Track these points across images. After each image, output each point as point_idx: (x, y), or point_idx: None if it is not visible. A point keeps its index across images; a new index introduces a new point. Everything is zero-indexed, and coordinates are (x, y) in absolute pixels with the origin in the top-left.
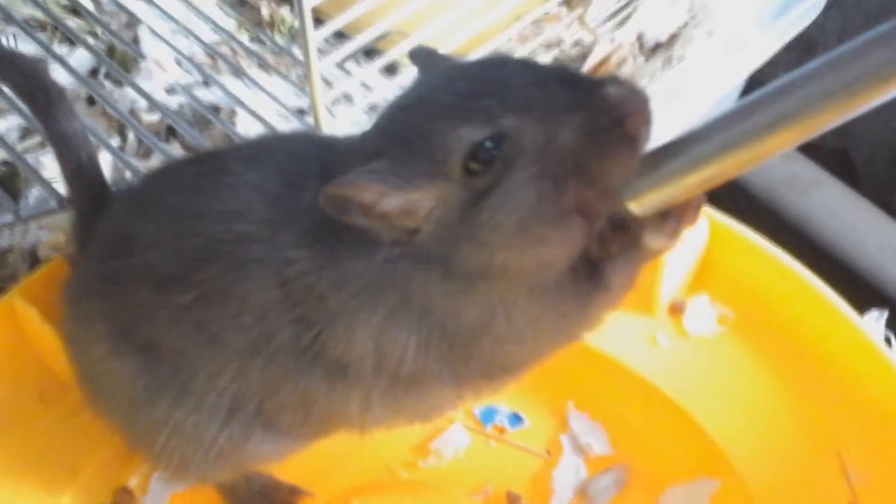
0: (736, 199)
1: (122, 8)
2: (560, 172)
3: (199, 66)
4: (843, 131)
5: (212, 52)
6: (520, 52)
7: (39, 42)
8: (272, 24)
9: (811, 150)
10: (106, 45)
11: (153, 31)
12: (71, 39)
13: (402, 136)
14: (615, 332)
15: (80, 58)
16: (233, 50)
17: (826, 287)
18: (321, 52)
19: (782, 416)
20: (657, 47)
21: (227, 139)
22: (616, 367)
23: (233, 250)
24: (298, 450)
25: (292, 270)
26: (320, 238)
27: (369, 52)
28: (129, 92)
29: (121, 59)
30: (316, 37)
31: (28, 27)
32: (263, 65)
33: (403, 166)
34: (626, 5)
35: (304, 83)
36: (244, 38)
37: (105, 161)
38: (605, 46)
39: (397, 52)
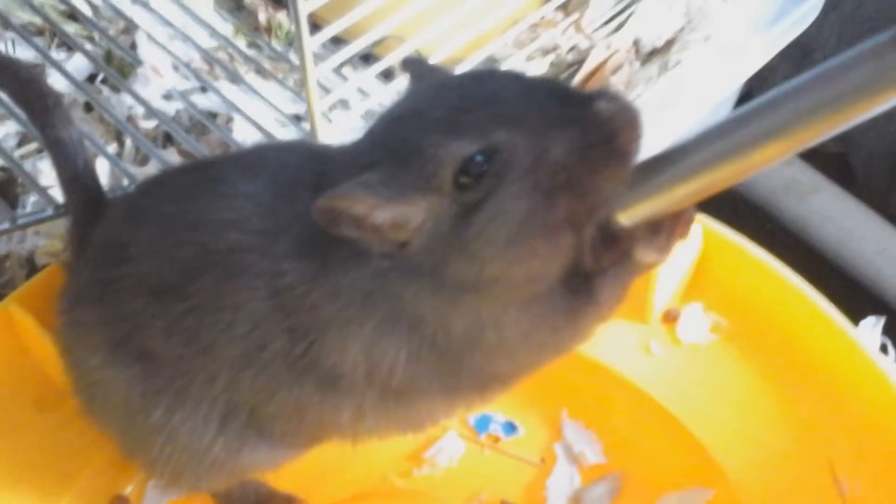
0: (735, 204)
1: (119, 14)
2: (551, 187)
3: (196, 72)
4: (842, 136)
5: (209, 58)
6: (516, 57)
7: (37, 48)
8: (269, 30)
9: (810, 155)
10: (103, 51)
11: (150, 37)
12: (68, 45)
13: (393, 148)
14: (609, 341)
15: (78, 64)
16: (230, 55)
17: (820, 296)
18: (318, 57)
19: (775, 425)
20: (653, 52)
21: (223, 146)
22: (610, 375)
23: (226, 260)
24: (292, 458)
25: (284, 281)
26: (312, 249)
27: (366, 58)
28: (127, 98)
29: (118, 65)
30: (312, 42)
31: (26, 33)
32: (260, 70)
33: (395, 179)
34: (623, 10)
35: (300, 89)
36: (241, 43)
37: (102, 167)
38: (601, 52)
39: (394, 57)
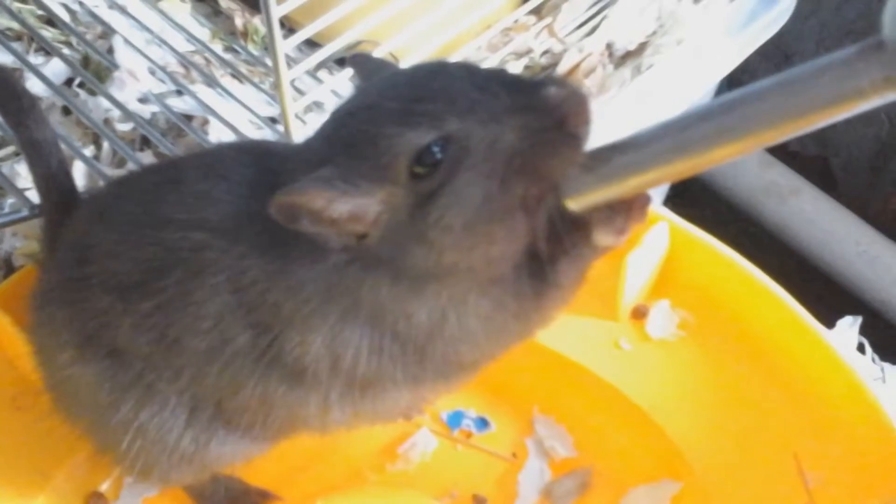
0: (715, 206)
1: (97, 18)
2: (505, 172)
3: (172, 76)
4: (822, 139)
5: (185, 62)
6: (490, 61)
7: (15, 52)
8: (245, 34)
9: (790, 157)
10: (81, 56)
11: (127, 42)
12: (46, 50)
13: (348, 142)
14: (580, 338)
15: (55, 68)
16: (206, 59)
17: (785, 292)
18: (294, 60)
19: (741, 419)
20: (626, 56)
21: (199, 148)
22: (580, 371)
23: (190, 258)
24: (261, 452)
25: (246, 278)
26: (272, 245)
27: (341, 61)
28: (104, 101)
29: (95, 69)
30: (285, 45)
31: (4, 37)
32: (236, 74)
33: (351, 172)
34: (595, 14)
35: (276, 92)
36: (218, 47)
37: (79, 170)
38: (575, 55)
39: None
